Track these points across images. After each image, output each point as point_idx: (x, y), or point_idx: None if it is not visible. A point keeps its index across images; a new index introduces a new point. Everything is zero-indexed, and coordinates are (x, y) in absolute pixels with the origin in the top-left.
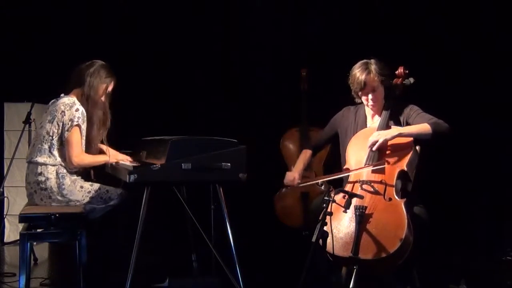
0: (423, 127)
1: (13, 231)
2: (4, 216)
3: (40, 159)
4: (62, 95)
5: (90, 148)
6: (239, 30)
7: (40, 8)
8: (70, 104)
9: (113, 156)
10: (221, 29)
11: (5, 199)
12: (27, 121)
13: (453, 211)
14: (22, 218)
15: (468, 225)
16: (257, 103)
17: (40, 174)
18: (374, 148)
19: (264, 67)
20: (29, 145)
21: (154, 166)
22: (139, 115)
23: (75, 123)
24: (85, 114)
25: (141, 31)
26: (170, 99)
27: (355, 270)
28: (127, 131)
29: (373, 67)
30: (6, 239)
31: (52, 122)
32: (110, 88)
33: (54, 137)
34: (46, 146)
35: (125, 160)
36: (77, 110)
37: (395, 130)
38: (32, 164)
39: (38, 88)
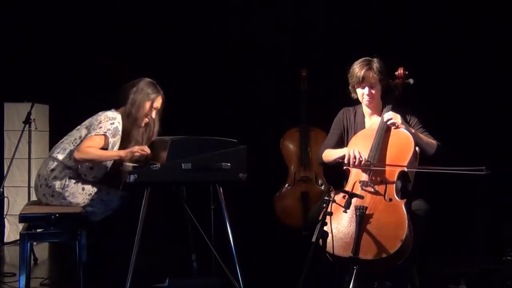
0: (431, 143)
1: (13, 231)
2: (4, 216)
3: (60, 156)
4: (112, 109)
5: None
6: (239, 30)
7: (40, 8)
8: (111, 117)
9: (128, 150)
10: (221, 28)
11: (5, 199)
12: (27, 121)
13: (453, 211)
14: (22, 218)
15: (468, 225)
16: (257, 103)
17: (52, 170)
18: (388, 122)
19: (264, 67)
20: (29, 145)
21: (154, 166)
22: None
23: (102, 131)
24: (119, 131)
25: (141, 30)
26: (170, 99)
27: (355, 270)
28: None
29: (374, 64)
30: (6, 239)
31: (88, 129)
32: (156, 104)
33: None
34: (71, 147)
35: (144, 150)
36: (112, 123)
37: (410, 128)
38: (50, 158)
39: (38, 88)
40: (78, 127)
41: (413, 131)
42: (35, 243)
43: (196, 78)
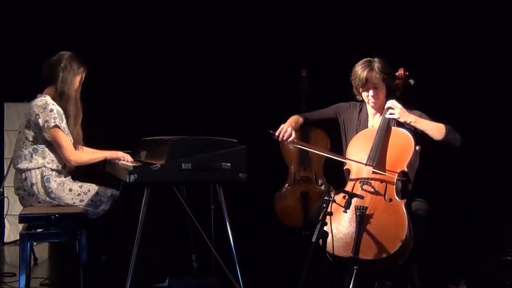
0: (438, 127)
1: (13, 231)
2: (4, 216)
3: (21, 166)
4: (38, 95)
5: None
6: (239, 29)
7: (40, 8)
8: (43, 106)
9: (113, 152)
10: (221, 28)
11: (5, 199)
12: None
13: (453, 210)
14: (22, 218)
15: (468, 225)
16: (257, 103)
17: (25, 179)
18: (387, 106)
19: (264, 67)
20: None
21: (154, 166)
22: (138, 115)
23: (52, 124)
24: (61, 112)
25: (140, 30)
26: (170, 98)
27: (355, 270)
28: (127, 131)
29: (376, 65)
30: (6, 239)
31: (29, 127)
32: (83, 78)
33: (35, 141)
34: (26, 152)
35: (125, 157)
36: (51, 110)
37: (412, 117)
38: (17, 171)
39: (38, 88)
40: (19, 129)
41: (413, 120)
42: (35, 243)
43: (196, 78)
